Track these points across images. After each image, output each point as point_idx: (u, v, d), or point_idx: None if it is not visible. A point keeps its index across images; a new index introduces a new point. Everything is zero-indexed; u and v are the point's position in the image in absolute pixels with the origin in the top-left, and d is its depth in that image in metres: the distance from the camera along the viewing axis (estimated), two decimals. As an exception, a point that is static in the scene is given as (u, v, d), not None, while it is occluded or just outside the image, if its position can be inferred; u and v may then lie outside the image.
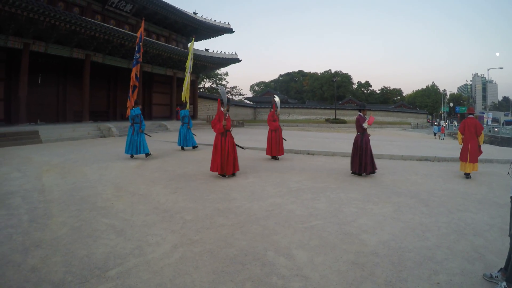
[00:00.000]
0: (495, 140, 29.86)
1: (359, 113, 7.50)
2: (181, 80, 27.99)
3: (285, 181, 6.56)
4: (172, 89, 26.97)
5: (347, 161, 9.12)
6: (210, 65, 28.05)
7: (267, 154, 9.52)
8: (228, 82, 70.01)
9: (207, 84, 58.51)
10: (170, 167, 7.89)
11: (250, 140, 14.81)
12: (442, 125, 31.43)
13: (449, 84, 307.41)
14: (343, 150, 11.13)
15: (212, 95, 42.17)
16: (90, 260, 3.01)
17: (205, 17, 27.69)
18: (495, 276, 2.76)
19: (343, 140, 16.72)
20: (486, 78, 72.63)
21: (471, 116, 7.91)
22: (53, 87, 20.27)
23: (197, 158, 9.46)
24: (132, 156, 9.14)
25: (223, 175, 6.75)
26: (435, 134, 30.92)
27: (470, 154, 7.36)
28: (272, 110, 9.65)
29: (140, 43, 10.22)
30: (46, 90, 19.74)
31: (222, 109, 6.77)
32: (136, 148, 9.00)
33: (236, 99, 63.87)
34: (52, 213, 4.39)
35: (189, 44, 13.78)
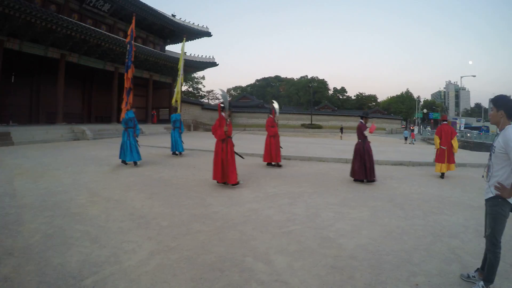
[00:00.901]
0: (467, 145, 31.09)
1: (361, 120, 7.49)
2: (157, 83, 27.75)
3: (262, 186, 6.53)
4: (148, 92, 26.64)
5: (323, 166, 9.29)
6: (187, 68, 27.76)
7: (264, 160, 9.25)
8: (204, 86, 69.74)
9: (184, 87, 58.07)
10: (145, 172, 7.72)
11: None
12: (412, 131, 32.64)
13: (423, 91, 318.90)
14: (318, 155, 11.25)
15: (189, 98, 41.80)
16: (64, 269, 2.88)
17: (183, 20, 27.52)
18: (472, 276, 2.85)
19: (318, 145, 17.00)
20: (459, 86, 75.83)
21: (445, 122, 8.66)
22: (26, 87, 19.61)
23: (172, 163, 9.30)
24: (125, 163, 8.63)
25: (224, 183, 6.39)
26: (406, 138, 32.16)
27: (448, 155, 8.15)
28: (271, 116, 9.40)
29: (132, 41, 9.51)
30: (19, 91, 19.08)
31: (223, 114, 6.47)
32: (130, 153, 8.47)
33: (212, 103, 63.44)
34: (24, 219, 4.19)
35: (180, 45, 13.49)
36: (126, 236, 3.67)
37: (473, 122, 66.37)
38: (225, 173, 6.26)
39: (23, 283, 2.63)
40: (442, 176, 8.22)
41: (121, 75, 23.22)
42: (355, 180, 7.21)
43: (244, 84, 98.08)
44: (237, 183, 6.35)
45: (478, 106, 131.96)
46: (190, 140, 17.25)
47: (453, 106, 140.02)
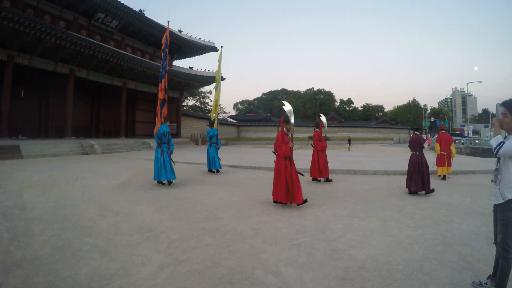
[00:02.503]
0: (476, 152, 30.70)
1: (416, 132, 7.55)
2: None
3: (270, 199, 6.43)
4: (156, 106, 26.79)
5: (331, 177, 9.22)
6: (194, 83, 28.14)
7: (311, 175, 8.85)
8: (211, 100, 70.09)
9: (191, 102, 58.51)
10: (154, 186, 7.76)
11: (235, 158, 14.74)
12: None
13: (430, 99, 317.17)
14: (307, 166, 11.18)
15: (196, 113, 42.05)
16: (73, 281, 2.89)
17: (189, 35, 27.94)
18: (484, 283, 2.82)
19: (309, 156, 16.78)
20: (466, 92, 75.31)
21: (443, 131, 10.11)
22: (35, 102, 19.97)
23: (180, 177, 9.33)
24: (162, 183, 7.82)
25: (305, 200, 5.83)
26: None
27: (447, 159, 9.42)
28: (318, 130, 9.22)
29: (166, 50, 8.74)
30: (28, 104, 19.43)
31: (284, 129, 5.99)
32: (164, 172, 7.67)
33: (219, 117, 63.79)
34: (33, 231, 4.23)
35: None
36: (136, 249, 3.68)
37: (481, 128, 65.63)
38: (290, 192, 5.76)
39: (33, 296, 2.65)
40: (444, 178, 9.33)
41: (129, 90, 23.80)
42: (411, 192, 7.11)
43: (250, 98, 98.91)
44: (304, 202, 5.85)
45: (485, 112, 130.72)
46: (202, 155, 17.37)
47: (460, 113, 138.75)
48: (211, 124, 11.02)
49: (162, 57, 8.66)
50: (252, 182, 8.55)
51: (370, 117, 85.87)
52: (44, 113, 20.34)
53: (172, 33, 25.59)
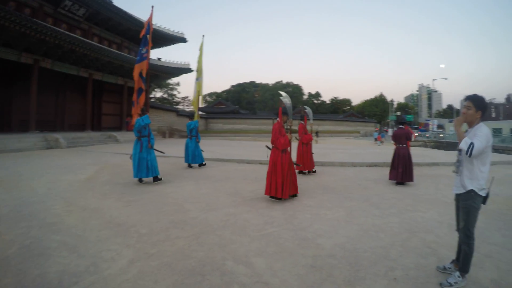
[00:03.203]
0: (440, 145, 32.28)
1: (401, 126, 7.84)
2: (132, 89, 27.12)
3: (238, 191, 6.56)
4: (123, 98, 26.13)
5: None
6: (162, 74, 27.51)
7: (297, 168, 8.39)
8: (179, 92, 68.77)
9: (158, 94, 57.23)
10: (121, 180, 7.60)
11: (205, 151, 14.51)
12: (378, 134, 33.95)
13: (397, 94, 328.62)
14: (294, 159, 11.33)
15: (164, 105, 41.15)
16: (43, 280, 2.81)
17: (158, 25, 27.20)
18: (448, 268, 3.01)
19: (294, 149, 16.97)
20: (431, 88, 78.42)
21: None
22: (-4, 94, 18.81)
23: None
24: (141, 180, 7.30)
25: (279, 198, 5.66)
26: (375, 140, 33.26)
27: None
28: (303, 122, 9.15)
29: (148, 35, 8.04)
30: (-12, 97, 18.27)
31: (282, 121, 5.82)
32: (146, 169, 7.17)
33: (187, 109, 62.83)
34: (-1, 230, 4.05)
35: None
36: (105, 245, 3.61)
37: (446, 123, 68.86)
38: (285, 185, 5.59)
39: (0, 297, 2.56)
40: None
41: (96, 81, 22.93)
42: (398, 183, 7.42)
43: (219, 90, 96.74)
44: (296, 195, 5.92)
45: (450, 107, 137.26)
46: (169, 147, 17.11)
47: (426, 108, 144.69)
48: (191, 116, 10.66)
49: (142, 42, 8.10)
50: (220, 174, 8.58)
51: (338, 110, 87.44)
52: (7, 106, 19.18)
53: (141, 23, 24.76)
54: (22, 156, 11.89)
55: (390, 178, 7.55)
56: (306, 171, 8.93)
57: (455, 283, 2.74)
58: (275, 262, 3.20)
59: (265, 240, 3.82)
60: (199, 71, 11.24)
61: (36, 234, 3.92)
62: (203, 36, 11.90)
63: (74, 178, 7.66)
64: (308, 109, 9.77)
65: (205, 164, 10.11)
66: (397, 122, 8.03)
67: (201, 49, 11.59)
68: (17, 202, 5.41)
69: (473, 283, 2.83)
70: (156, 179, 7.29)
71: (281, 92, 6.37)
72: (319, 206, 5.39)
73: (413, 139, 7.85)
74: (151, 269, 3.03)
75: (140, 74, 7.80)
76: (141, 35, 8.18)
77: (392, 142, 8.01)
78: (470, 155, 2.65)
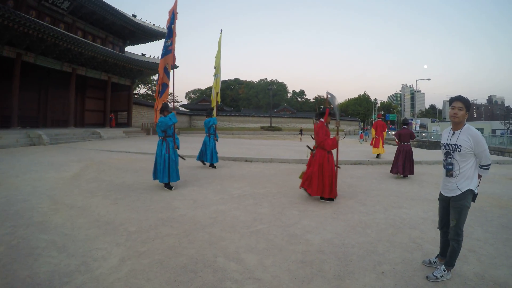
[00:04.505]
0: (423, 144, 33.06)
1: (404, 126, 8.87)
2: (116, 85, 26.81)
3: (226, 188, 6.59)
4: (107, 94, 25.64)
5: (285, 167, 9.56)
6: (146, 70, 27.06)
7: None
8: (163, 89, 67.30)
9: (142, 90, 56.32)
10: (107, 177, 7.50)
11: (188, 148, 14.47)
12: (361, 133, 34.73)
13: (380, 94, 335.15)
14: (280, 157, 11.49)
15: (148, 102, 40.52)
16: (33, 281, 2.77)
17: (143, 20, 26.77)
18: (434, 262, 3.14)
19: (279, 147, 17.26)
20: (415, 88, 79.92)
21: (379, 119, 12.99)
22: (-24, 89, 18.18)
23: (134, 167, 9.07)
24: (169, 186, 6.47)
25: (330, 199, 5.59)
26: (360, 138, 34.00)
27: (381, 142, 12.06)
28: (323, 120, 8.97)
29: (172, 26, 7.31)
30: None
31: (323, 120, 5.74)
32: (175, 172, 6.53)
33: (171, 106, 61.50)
34: (-16, 231, 3.94)
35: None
36: (94, 244, 3.59)
37: (428, 122, 70.42)
38: (334, 185, 5.54)
39: (-11, 299, 2.52)
40: (378, 156, 12.03)
41: (79, 76, 22.40)
42: (405, 176, 8.30)
43: (203, 87, 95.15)
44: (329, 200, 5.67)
45: (432, 107, 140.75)
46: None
47: (409, 108, 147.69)
48: (209, 113, 9.92)
49: (167, 34, 7.38)
50: (205, 172, 8.52)
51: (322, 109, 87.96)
52: (-13, 102, 18.61)
53: (126, 18, 24.33)
54: (4, 153, 11.55)
55: (393, 172, 8.39)
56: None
57: (441, 276, 2.86)
58: (265, 258, 3.26)
59: (254, 236, 3.88)
60: (217, 67, 10.79)
61: (23, 234, 3.85)
62: (221, 31, 11.26)
63: (59, 175, 7.52)
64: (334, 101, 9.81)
65: (215, 166, 9.58)
66: (402, 123, 9.18)
67: (219, 45, 11.01)
68: (1, 201, 5.28)
69: (457, 275, 2.96)
70: (168, 186, 6.52)
71: (329, 91, 6.09)
72: (306, 203, 5.48)
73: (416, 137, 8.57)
74: (143, 267, 3.04)
75: (165, 69, 7.18)
76: (166, 25, 7.50)
77: (396, 140, 8.84)
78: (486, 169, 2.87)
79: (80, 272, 2.94)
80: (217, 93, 10.57)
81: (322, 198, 5.63)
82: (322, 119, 5.78)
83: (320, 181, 5.49)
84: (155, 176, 6.59)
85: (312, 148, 5.97)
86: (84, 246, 3.51)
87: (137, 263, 3.13)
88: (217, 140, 9.73)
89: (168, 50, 7.25)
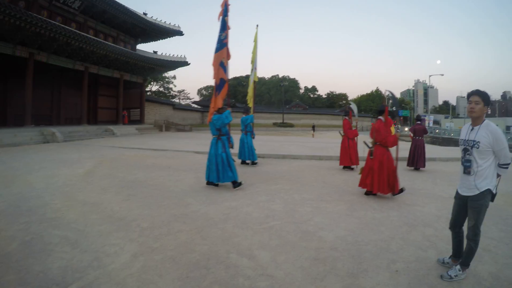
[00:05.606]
0: (436, 141, 32.51)
1: (418, 122, 9.66)
2: (128, 83, 27.07)
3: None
4: (119, 92, 25.99)
5: (298, 163, 9.50)
6: (158, 68, 27.38)
7: (341, 164, 8.74)
8: (175, 86, 67.96)
9: (154, 87, 56.76)
10: (120, 174, 7.56)
11: (199, 144, 14.53)
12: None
13: (393, 90, 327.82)
14: (292, 153, 11.42)
15: (160, 98, 40.80)
16: (46, 276, 2.78)
17: (154, 18, 26.96)
18: (447, 262, 3.04)
19: (291, 143, 17.11)
20: (428, 84, 78.51)
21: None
22: (-9, 88, 18.60)
23: (146, 164, 9.14)
24: (236, 183, 6.22)
25: (401, 190, 5.62)
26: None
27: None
28: (348, 118, 9.06)
29: (226, 18, 6.90)
30: (-17, 92, 18.06)
31: (381, 118, 5.74)
32: (232, 171, 6.25)
33: (183, 103, 62.00)
34: (-2, 226, 4.01)
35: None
36: (107, 239, 3.60)
37: (442, 118, 69.25)
38: (391, 182, 5.57)
39: (3, 293, 2.53)
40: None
41: (91, 74, 22.71)
42: (416, 168, 9.01)
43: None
44: (401, 191, 5.66)
45: (446, 103, 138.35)
46: (167, 142, 17.04)
47: (422, 104, 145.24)
48: (246, 110, 9.77)
49: (220, 27, 6.94)
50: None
51: (334, 105, 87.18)
52: (2, 101, 19.01)
53: (136, 16, 24.55)
54: (18, 150, 11.79)
55: (408, 165, 9.11)
56: (354, 166, 8.84)
57: (455, 276, 2.78)
58: (278, 255, 3.22)
59: (267, 233, 3.84)
60: (253, 62, 10.54)
61: (36, 230, 3.89)
62: (257, 26, 10.84)
63: (72, 172, 7.61)
64: (353, 105, 9.69)
65: (256, 163, 9.47)
66: (416, 119, 10.03)
67: (255, 40, 10.72)
68: (15, 197, 5.36)
69: (472, 276, 2.87)
70: (236, 184, 6.24)
71: (388, 90, 6.12)
72: (319, 200, 5.42)
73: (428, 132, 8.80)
74: (155, 263, 3.03)
75: (222, 64, 6.73)
76: (218, 17, 7.03)
77: (410, 134, 9.58)
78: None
79: (93, 268, 2.94)
80: (253, 90, 10.29)
81: (374, 194, 5.71)
82: (380, 117, 5.76)
83: (379, 178, 5.53)
84: (209, 177, 6.29)
85: (369, 145, 5.95)
86: (96, 242, 3.53)
87: (149, 259, 3.12)
88: (253, 138, 9.59)
89: (223, 44, 6.83)
